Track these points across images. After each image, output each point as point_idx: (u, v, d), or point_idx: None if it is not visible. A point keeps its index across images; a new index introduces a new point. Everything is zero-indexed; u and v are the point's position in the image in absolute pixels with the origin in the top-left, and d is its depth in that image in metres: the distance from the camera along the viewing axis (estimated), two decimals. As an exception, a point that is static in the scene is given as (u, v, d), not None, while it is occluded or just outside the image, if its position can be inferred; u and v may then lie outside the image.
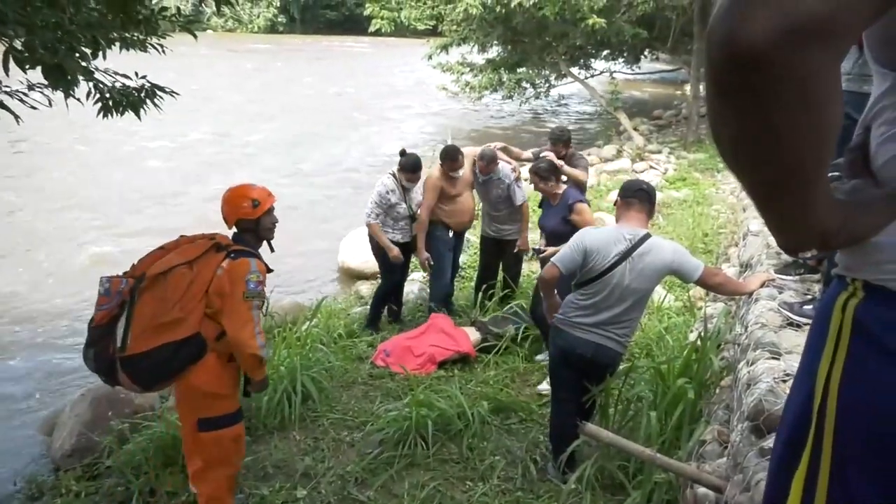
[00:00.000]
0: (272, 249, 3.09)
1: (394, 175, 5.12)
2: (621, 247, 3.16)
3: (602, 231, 3.34)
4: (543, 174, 4.56)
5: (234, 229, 3.02)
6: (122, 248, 7.74)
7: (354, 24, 37.87)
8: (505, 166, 5.24)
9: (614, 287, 3.16)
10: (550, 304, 3.44)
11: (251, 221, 2.97)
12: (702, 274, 3.21)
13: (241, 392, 3.11)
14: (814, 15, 0.58)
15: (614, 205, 3.44)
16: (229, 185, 3.09)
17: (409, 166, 5.06)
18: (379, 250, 5.21)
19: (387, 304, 5.55)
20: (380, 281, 5.65)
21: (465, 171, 5.15)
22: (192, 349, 2.75)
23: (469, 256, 6.76)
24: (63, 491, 3.50)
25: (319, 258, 7.77)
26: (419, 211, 5.20)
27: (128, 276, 2.75)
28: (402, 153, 5.11)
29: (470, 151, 5.29)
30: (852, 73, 2.61)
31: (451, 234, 5.33)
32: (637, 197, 3.27)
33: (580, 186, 5.27)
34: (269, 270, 2.97)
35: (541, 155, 5.35)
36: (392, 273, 5.37)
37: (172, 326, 2.69)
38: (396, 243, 5.20)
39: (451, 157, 5.03)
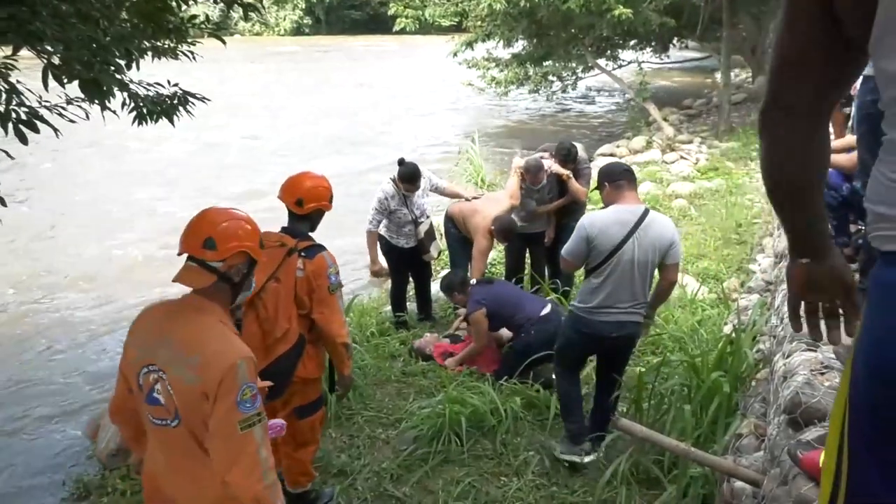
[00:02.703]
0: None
1: (394, 180, 5.09)
2: (627, 225, 3.25)
3: (602, 214, 3.39)
4: (446, 290, 4.90)
5: (300, 213, 3.03)
6: (167, 250, 7.93)
7: (379, 24, 37.95)
8: (546, 163, 5.28)
9: (626, 263, 3.26)
10: None
11: (321, 214, 3.10)
12: (677, 265, 3.44)
13: (328, 387, 3.33)
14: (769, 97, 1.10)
15: (598, 190, 3.53)
16: (288, 177, 3.11)
17: (406, 177, 5.01)
18: (387, 253, 5.27)
19: (404, 305, 5.59)
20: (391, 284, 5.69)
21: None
22: (300, 349, 2.94)
23: (497, 253, 6.75)
24: (109, 490, 3.62)
25: (350, 257, 7.82)
26: (472, 268, 5.27)
27: None
28: (401, 162, 5.07)
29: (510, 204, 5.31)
30: None
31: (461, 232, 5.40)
32: (625, 178, 3.40)
33: (580, 202, 5.40)
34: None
35: (547, 168, 5.30)
36: (398, 275, 5.43)
37: (284, 338, 2.86)
38: (402, 249, 5.25)
39: (506, 234, 5.18)
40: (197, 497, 1.97)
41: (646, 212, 3.31)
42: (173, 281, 2.00)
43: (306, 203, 3.01)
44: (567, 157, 5.29)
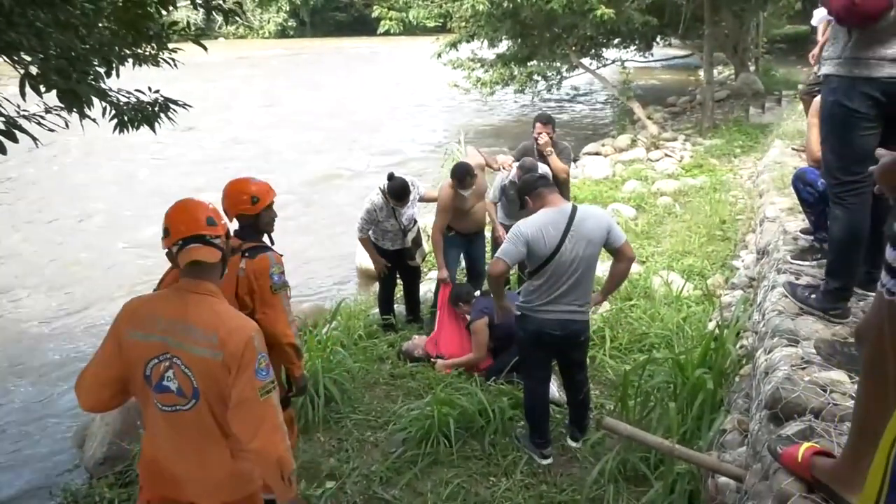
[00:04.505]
0: (272, 242, 3.13)
1: (383, 192, 5.05)
2: (560, 225, 3.34)
3: (535, 218, 3.45)
4: (453, 301, 4.85)
5: (236, 223, 3.04)
6: (155, 259, 7.88)
7: (364, 26, 37.84)
8: (541, 166, 5.25)
9: (567, 261, 3.34)
10: (500, 305, 3.63)
11: (250, 217, 3.02)
12: (626, 242, 3.53)
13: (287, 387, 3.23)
14: None
15: (522, 207, 3.73)
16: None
17: (395, 194, 4.97)
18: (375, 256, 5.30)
19: (392, 308, 5.60)
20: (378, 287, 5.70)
21: (476, 184, 5.08)
22: None
23: (486, 253, 6.77)
24: (97, 498, 3.59)
25: (337, 261, 7.82)
26: (431, 232, 5.19)
27: None
28: (391, 177, 5.04)
29: (477, 161, 5.24)
30: (842, 57, 2.55)
31: (452, 232, 5.27)
32: (540, 185, 3.56)
33: (559, 179, 5.39)
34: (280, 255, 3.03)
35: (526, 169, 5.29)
36: (385, 277, 5.44)
37: None
38: (387, 250, 5.27)
39: (459, 176, 4.91)
40: (204, 478, 2.12)
41: (574, 209, 3.41)
42: (187, 261, 2.08)
43: (228, 212, 2.99)
44: (549, 119, 5.53)
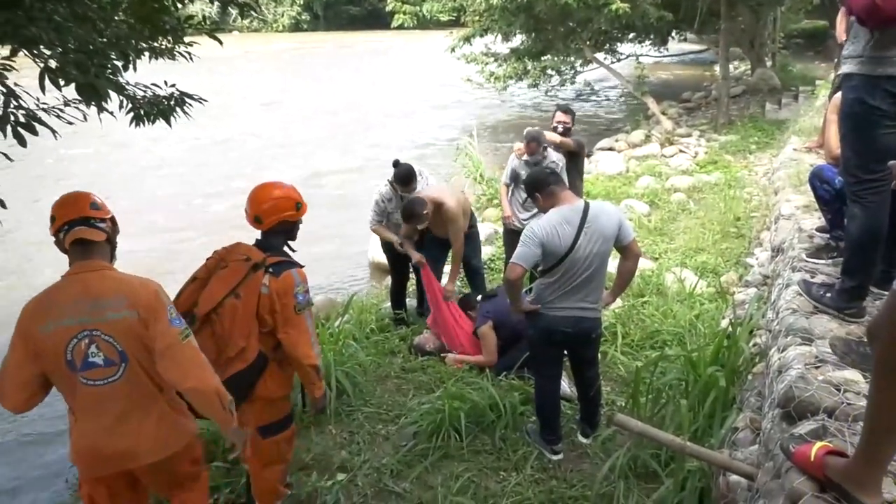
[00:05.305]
0: (293, 250, 3.04)
1: (391, 183, 5.05)
2: (574, 222, 3.33)
3: (549, 218, 3.42)
4: (462, 306, 4.91)
5: (262, 230, 2.91)
6: (156, 260, 7.95)
7: (377, 19, 37.86)
8: (552, 153, 5.21)
9: (581, 258, 3.33)
10: (518, 306, 3.56)
11: (291, 224, 2.92)
12: (634, 239, 3.52)
13: (301, 402, 3.27)
14: None
15: (530, 199, 3.73)
16: (257, 183, 2.97)
17: (400, 179, 4.95)
18: (386, 250, 5.30)
19: (404, 302, 5.61)
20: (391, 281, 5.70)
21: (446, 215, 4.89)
22: (259, 365, 2.82)
23: (497, 248, 6.78)
24: (111, 488, 3.63)
25: (350, 254, 7.85)
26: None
27: None
28: (396, 164, 5.02)
29: (435, 196, 4.88)
30: (864, 56, 2.52)
31: (431, 234, 5.14)
32: (551, 182, 3.54)
33: (580, 154, 5.57)
34: (301, 266, 2.92)
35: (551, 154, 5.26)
36: (397, 271, 5.44)
37: (240, 355, 2.75)
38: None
39: (404, 216, 4.84)
40: (148, 438, 2.27)
41: (587, 206, 3.39)
42: (72, 240, 2.20)
43: (265, 219, 2.85)
44: (570, 110, 5.70)
